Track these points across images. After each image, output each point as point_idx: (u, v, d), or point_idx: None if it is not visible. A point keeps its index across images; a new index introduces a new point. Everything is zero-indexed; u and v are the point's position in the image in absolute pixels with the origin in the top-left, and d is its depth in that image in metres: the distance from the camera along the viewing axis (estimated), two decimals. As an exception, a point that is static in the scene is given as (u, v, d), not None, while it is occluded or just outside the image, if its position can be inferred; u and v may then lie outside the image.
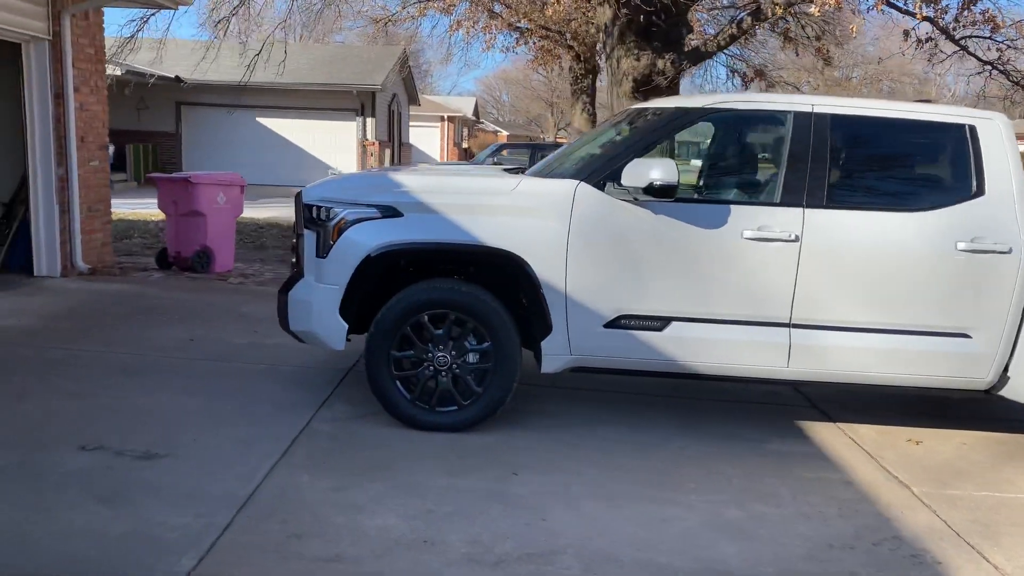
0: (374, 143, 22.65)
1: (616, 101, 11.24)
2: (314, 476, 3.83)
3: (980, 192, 4.39)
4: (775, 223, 4.33)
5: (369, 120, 22.63)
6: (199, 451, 4.02)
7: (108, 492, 3.53)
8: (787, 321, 4.39)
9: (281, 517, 3.41)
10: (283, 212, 16.10)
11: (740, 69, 10.69)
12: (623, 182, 4.22)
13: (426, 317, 4.37)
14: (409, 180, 4.52)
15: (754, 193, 4.45)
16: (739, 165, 4.61)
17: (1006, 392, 4.50)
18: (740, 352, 4.43)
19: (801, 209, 4.35)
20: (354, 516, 3.47)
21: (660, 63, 10.94)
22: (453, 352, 4.41)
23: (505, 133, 65.25)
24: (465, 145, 51.86)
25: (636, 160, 4.20)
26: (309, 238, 4.51)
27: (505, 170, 5.76)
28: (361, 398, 4.92)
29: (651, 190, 4.12)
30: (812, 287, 4.34)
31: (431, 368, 4.42)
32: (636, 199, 4.29)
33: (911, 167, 4.54)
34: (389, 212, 4.35)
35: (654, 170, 4.09)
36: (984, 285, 4.34)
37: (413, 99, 29.57)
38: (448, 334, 4.40)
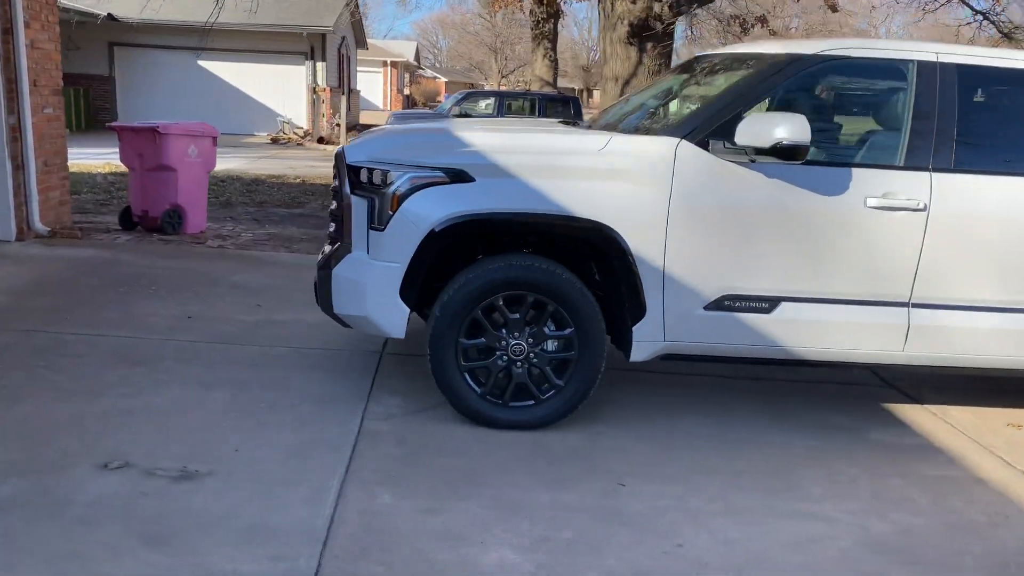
0: (325, 89, 21.44)
1: (611, 47, 10.57)
2: (396, 495, 3.20)
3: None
4: (901, 190, 3.80)
5: (319, 65, 21.38)
6: (246, 466, 3.34)
7: (152, 528, 2.85)
8: (907, 300, 3.90)
9: (377, 556, 2.79)
10: (240, 164, 15.07)
11: (740, 14, 10.10)
12: (737, 140, 3.62)
13: (501, 300, 3.74)
14: (477, 137, 3.83)
15: (876, 155, 3.90)
16: (857, 122, 4.06)
17: None
18: (853, 335, 3.93)
19: (928, 173, 3.84)
20: (462, 551, 2.87)
21: (657, 6, 10.29)
22: (530, 340, 3.79)
23: (444, 80, 63.65)
24: (407, 92, 50.33)
25: (754, 115, 3.60)
26: (358, 206, 3.80)
27: (561, 123, 5.12)
28: (407, 388, 4.29)
29: (776, 150, 3.53)
30: (937, 262, 3.85)
31: (505, 358, 3.81)
32: (753, 160, 3.70)
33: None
34: (457, 176, 3.66)
35: (780, 127, 3.50)
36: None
37: (361, 43, 28.18)
38: (524, 319, 3.78)
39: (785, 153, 3.52)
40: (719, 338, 3.90)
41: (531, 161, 3.70)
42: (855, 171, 3.79)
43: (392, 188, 3.69)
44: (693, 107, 4.10)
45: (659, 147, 3.76)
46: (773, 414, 4.34)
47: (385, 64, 44.67)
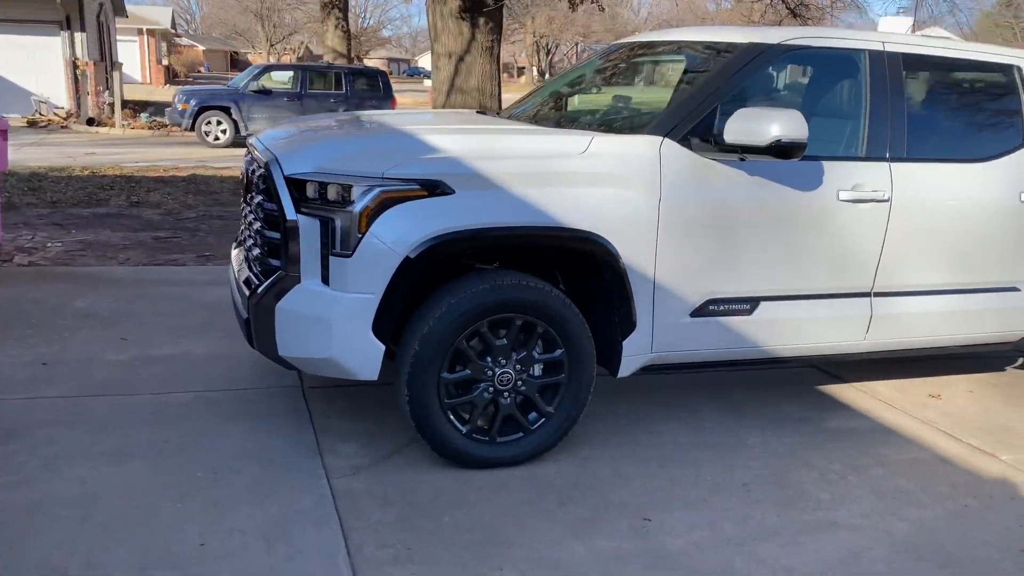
0: (88, 63, 19.02)
1: (441, 22, 10.09)
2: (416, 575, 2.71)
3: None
4: (867, 181, 3.78)
5: (79, 35, 18.90)
6: (224, 565, 2.69)
7: None
8: (869, 290, 3.92)
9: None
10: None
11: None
12: (727, 138, 3.40)
13: (486, 325, 3.30)
14: (449, 141, 3.32)
15: (842, 147, 3.84)
16: (820, 113, 3.98)
17: (1035, 342, 4.44)
18: (824, 329, 3.90)
19: (887, 164, 3.84)
20: (536, 637, 2.46)
21: (487, -21, 9.93)
22: (517, 366, 3.39)
23: (201, 48, 59.35)
24: (166, 63, 46.33)
25: (742, 111, 3.39)
26: (308, 228, 3.18)
27: (478, 112, 4.68)
28: (355, 430, 3.75)
29: (773, 149, 3.35)
30: (897, 251, 3.89)
31: (491, 389, 3.38)
32: (742, 159, 3.51)
33: (974, 113, 4.20)
34: (434, 188, 3.15)
35: (775, 124, 3.31)
36: (1031, 233, 4.16)
37: (119, 9, 25.31)
38: (511, 344, 3.37)
39: (782, 151, 3.35)
40: (703, 345, 3.72)
41: (515, 168, 3.26)
42: (826, 164, 3.72)
43: (358, 206, 3.10)
44: (639, 101, 3.85)
45: (643, 147, 3.46)
46: (734, 411, 4.25)
47: (141, 32, 40.70)
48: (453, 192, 3.16)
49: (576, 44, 71.33)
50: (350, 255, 3.12)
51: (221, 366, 4.38)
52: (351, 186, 3.12)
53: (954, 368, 5.12)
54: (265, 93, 16.08)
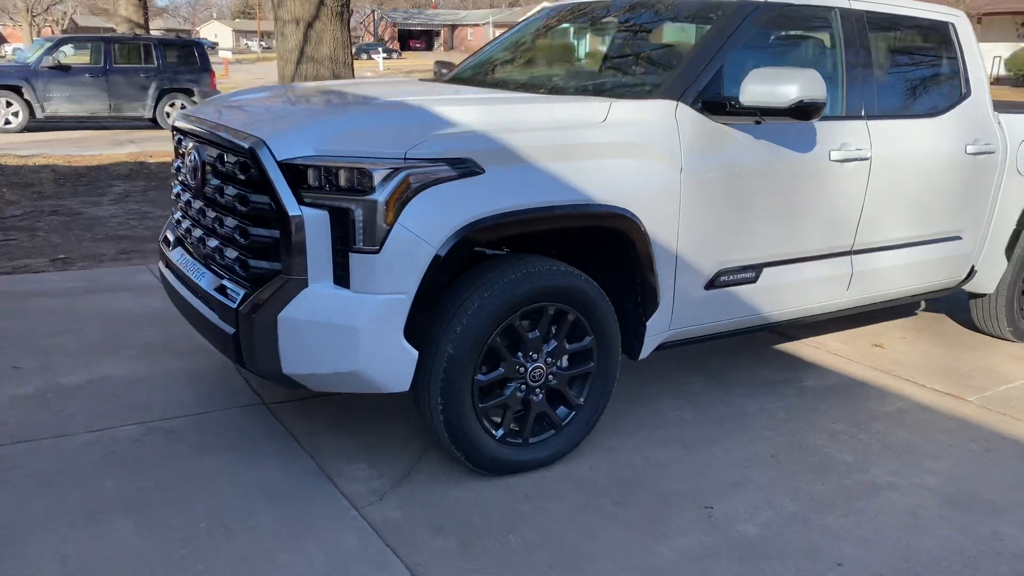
0: None
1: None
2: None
3: (968, 93, 4.36)
4: (852, 140, 3.78)
5: None
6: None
7: None
8: (850, 248, 3.95)
9: None
10: None
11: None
12: (743, 100, 3.25)
13: (519, 317, 2.98)
14: (469, 113, 2.91)
15: (827, 106, 3.78)
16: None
17: (969, 287, 4.70)
18: (815, 290, 3.89)
19: (864, 121, 3.86)
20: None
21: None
22: (548, 359, 3.10)
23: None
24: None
25: (758, 72, 3.24)
26: (315, 222, 2.70)
27: (423, 80, 4.26)
28: (353, 446, 3.34)
29: (794, 110, 3.23)
30: (873, 208, 3.94)
31: (523, 387, 3.07)
32: (759, 121, 3.37)
33: (923, 70, 4.30)
34: (464, 168, 2.77)
35: (795, 84, 3.19)
36: (977, 187, 4.38)
37: None
38: (543, 335, 3.07)
39: (803, 112, 3.24)
40: (715, 317, 3.59)
41: (542, 140, 2.93)
42: (817, 124, 3.66)
43: (383, 192, 2.66)
44: (616, 63, 3.62)
45: (661, 113, 3.23)
46: (716, 381, 4.18)
47: None
48: (483, 171, 2.79)
49: (372, 10, 69.58)
50: (377, 250, 2.68)
51: (154, 389, 3.74)
52: (369, 170, 2.67)
53: (882, 317, 5.36)
54: (63, 69, 14.22)
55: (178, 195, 3.50)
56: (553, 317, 3.06)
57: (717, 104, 3.31)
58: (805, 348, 4.74)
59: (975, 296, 4.93)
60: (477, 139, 2.82)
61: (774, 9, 3.64)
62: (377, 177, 2.66)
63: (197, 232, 3.27)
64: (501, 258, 3.00)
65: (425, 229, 2.70)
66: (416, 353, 2.80)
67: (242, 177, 2.86)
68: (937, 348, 4.88)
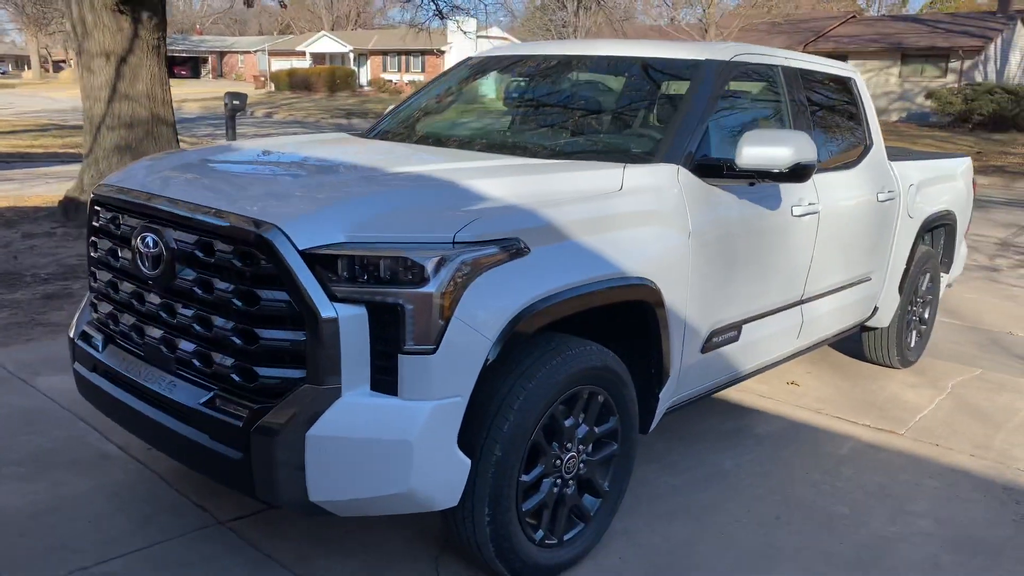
0: None
1: (93, 15, 8.29)
2: None
3: (871, 143, 4.64)
4: (806, 195, 3.86)
5: None
6: None
7: None
8: (800, 298, 4.04)
9: None
10: None
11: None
12: (741, 163, 3.20)
13: (559, 406, 2.71)
14: (501, 186, 2.62)
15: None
16: (753, 127, 3.86)
17: (871, 322, 5.00)
18: (777, 341, 3.93)
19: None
20: None
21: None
22: (580, 446, 2.86)
23: None
24: None
25: (752, 135, 3.21)
26: (351, 321, 2.29)
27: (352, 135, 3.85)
28: (348, 568, 2.86)
29: (790, 173, 3.22)
30: (819, 259, 4.05)
31: (558, 481, 2.80)
32: (752, 183, 3.33)
33: (839, 123, 4.49)
34: (512, 248, 2.47)
35: (790, 147, 3.18)
36: (883, 232, 4.67)
37: None
38: (576, 422, 2.82)
39: (798, 174, 3.24)
40: (706, 379, 3.51)
41: (576, 214, 2.69)
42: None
43: (436, 283, 2.30)
44: (587, 122, 3.48)
45: (668, 178, 3.11)
46: (677, 437, 4.11)
47: None
48: (529, 251, 2.51)
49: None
50: (433, 350, 2.31)
51: (72, 521, 3.04)
52: (419, 258, 2.30)
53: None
54: None
55: (110, 284, 2.87)
56: (586, 401, 2.82)
57: (712, 167, 3.24)
58: (734, 393, 4.80)
59: (868, 330, 5.25)
60: (522, 216, 2.53)
61: (737, 67, 3.65)
62: (429, 266, 2.30)
63: (154, 332, 2.69)
64: (533, 343, 2.70)
65: (481, 321, 2.38)
66: (469, 462, 2.45)
67: (246, 270, 2.37)
68: (842, 380, 5.13)
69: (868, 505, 3.54)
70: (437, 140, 3.70)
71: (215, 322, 2.46)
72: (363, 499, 2.37)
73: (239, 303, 2.38)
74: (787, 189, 3.71)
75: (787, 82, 3.94)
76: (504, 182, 2.67)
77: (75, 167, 13.75)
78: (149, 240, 2.60)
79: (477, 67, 4.28)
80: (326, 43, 50.94)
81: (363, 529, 3.08)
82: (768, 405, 4.64)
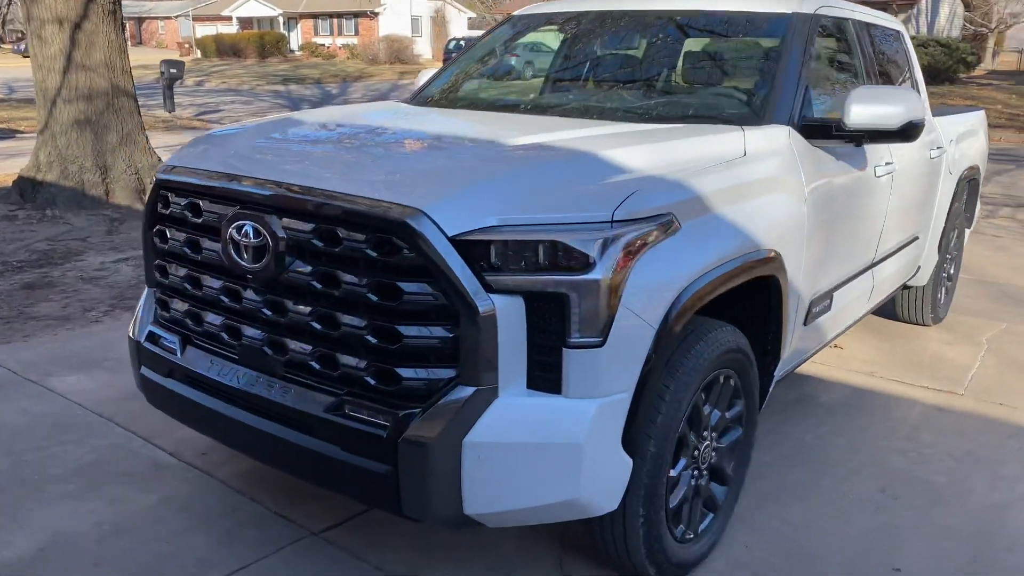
0: None
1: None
2: None
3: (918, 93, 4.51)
4: (884, 153, 3.71)
5: None
6: None
7: None
8: (872, 261, 3.91)
9: None
10: None
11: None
12: (850, 122, 3.01)
13: (701, 393, 2.51)
14: (638, 156, 2.38)
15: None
16: (834, 81, 3.66)
17: (912, 281, 4.93)
18: (854, 307, 3.80)
19: (884, 131, 3.82)
20: None
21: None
22: (714, 434, 2.67)
23: None
24: None
25: (859, 93, 3.01)
26: (509, 314, 2.04)
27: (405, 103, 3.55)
28: None
29: (899, 131, 3.05)
30: (890, 220, 3.92)
31: (695, 472, 2.61)
32: (859, 144, 3.15)
33: (896, 76, 4.33)
34: (667, 225, 2.24)
35: (901, 105, 3.00)
36: (932, 188, 4.57)
37: None
38: (712, 409, 2.63)
39: (907, 134, 3.07)
40: (799, 356, 3.35)
41: (715, 184, 2.47)
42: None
43: (602, 268, 2.05)
44: (675, 82, 3.26)
45: (783, 141, 2.90)
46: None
47: None
48: (680, 227, 2.28)
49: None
50: (601, 343, 2.08)
51: (147, 543, 2.74)
52: (580, 241, 2.05)
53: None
54: None
55: (189, 279, 2.54)
56: (721, 386, 2.63)
57: (820, 128, 3.05)
58: (784, 359, 4.68)
59: (905, 288, 5.18)
60: (673, 189, 2.30)
61: (819, 21, 3.45)
62: (593, 249, 2.06)
63: (253, 332, 2.38)
64: (679, 327, 2.48)
65: (645, 308, 2.15)
66: (631, 462, 2.23)
67: (383, 260, 2.08)
68: (881, 342, 5.06)
69: (963, 473, 3.46)
70: (513, 107, 3.42)
71: (342, 319, 2.17)
72: (523, 509, 2.14)
73: (375, 298, 2.10)
74: (872, 149, 3.54)
75: (857, 36, 3.76)
76: (636, 151, 2.42)
77: (12, 144, 12.93)
78: (248, 229, 2.28)
79: (524, 24, 3.98)
80: (253, 7, 49.06)
81: (466, 532, 2.85)
82: (820, 371, 4.54)
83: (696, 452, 2.57)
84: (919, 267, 4.79)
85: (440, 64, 40.87)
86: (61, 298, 5.42)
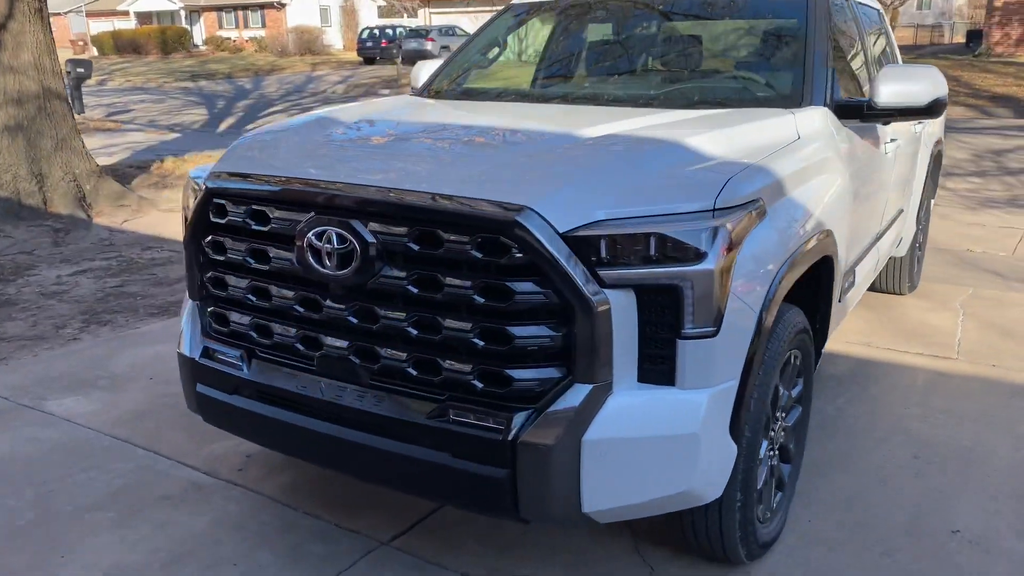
0: None
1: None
2: None
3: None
4: (890, 129, 3.81)
5: None
6: None
7: None
8: (878, 235, 4.03)
9: None
10: None
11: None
12: (880, 101, 3.07)
13: (778, 376, 2.54)
14: (702, 142, 2.37)
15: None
16: (850, 58, 3.71)
17: (895, 252, 5.09)
18: (865, 282, 3.91)
19: (884, 110, 3.93)
20: None
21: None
22: (784, 414, 2.71)
23: None
24: None
25: (887, 71, 3.08)
26: (623, 309, 2.01)
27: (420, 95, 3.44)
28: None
29: (926, 109, 3.13)
30: (892, 193, 4.05)
31: (771, 453, 2.64)
32: (887, 122, 3.21)
33: (882, 53, 4.45)
34: (759, 211, 2.25)
35: (927, 82, 3.09)
36: (915, 162, 4.73)
37: None
38: (784, 389, 2.67)
39: (933, 110, 3.16)
40: (833, 328, 3.42)
41: (786, 168, 2.48)
42: (875, 117, 3.63)
43: (714, 257, 2.04)
44: (704, 65, 3.27)
45: (825, 123, 2.95)
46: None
47: None
48: (766, 213, 2.29)
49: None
50: (714, 332, 2.07)
51: (207, 571, 2.61)
52: (691, 232, 2.04)
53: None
54: None
55: (254, 290, 2.42)
56: (791, 367, 2.66)
57: (852, 107, 3.11)
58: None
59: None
60: (758, 175, 2.31)
61: (831, 1, 3.51)
62: (703, 240, 2.05)
63: (337, 341, 2.28)
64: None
65: (749, 295, 2.16)
66: (735, 449, 2.24)
67: (490, 261, 2.02)
68: (866, 312, 5.22)
69: (985, 434, 3.60)
70: (561, 97, 3.37)
71: (443, 323, 2.10)
72: (638, 504, 2.13)
73: (481, 299, 2.04)
74: (881, 126, 3.64)
75: (855, 16, 3.85)
76: (711, 139, 2.42)
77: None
78: (332, 235, 2.18)
79: (534, 10, 3.93)
80: (152, 0, 47.19)
81: (536, 529, 2.82)
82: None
83: (772, 433, 2.60)
84: (902, 238, 4.96)
85: (354, 55, 39.19)
86: (26, 316, 5.12)
